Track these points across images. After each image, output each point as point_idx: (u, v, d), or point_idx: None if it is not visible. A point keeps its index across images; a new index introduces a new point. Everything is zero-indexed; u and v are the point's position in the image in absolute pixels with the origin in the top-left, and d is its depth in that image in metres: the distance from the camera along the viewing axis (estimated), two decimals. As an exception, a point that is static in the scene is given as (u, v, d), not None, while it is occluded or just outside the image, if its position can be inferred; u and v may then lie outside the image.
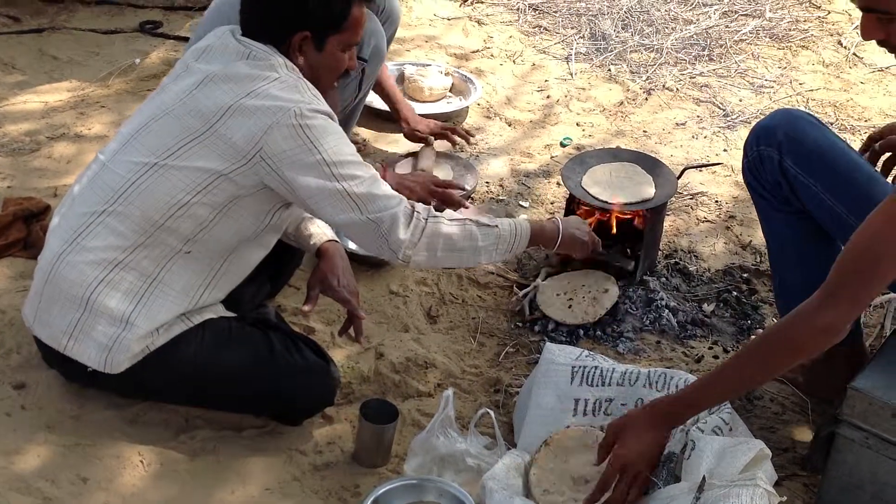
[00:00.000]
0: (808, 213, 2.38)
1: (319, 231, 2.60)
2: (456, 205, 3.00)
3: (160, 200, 2.25)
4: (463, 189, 3.19)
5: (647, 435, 2.14)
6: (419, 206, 2.33)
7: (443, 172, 3.42)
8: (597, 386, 2.41)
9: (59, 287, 2.29)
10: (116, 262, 2.26)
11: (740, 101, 4.11)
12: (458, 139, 3.58)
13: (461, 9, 4.73)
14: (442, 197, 3.03)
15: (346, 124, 3.27)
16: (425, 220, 2.32)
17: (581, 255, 2.71)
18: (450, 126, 3.64)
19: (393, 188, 2.87)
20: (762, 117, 2.66)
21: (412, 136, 3.57)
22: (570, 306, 2.86)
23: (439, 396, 2.43)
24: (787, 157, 2.35)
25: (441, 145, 3.66)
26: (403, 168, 3.45)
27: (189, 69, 2.35)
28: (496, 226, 2.43)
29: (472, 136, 3.66)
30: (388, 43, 3.31)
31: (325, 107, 2.30)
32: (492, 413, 2.41)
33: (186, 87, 2.30)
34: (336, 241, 2.61)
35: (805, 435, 2.53)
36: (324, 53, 2.34)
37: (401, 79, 3.99)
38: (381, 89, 3.53)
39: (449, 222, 2.36)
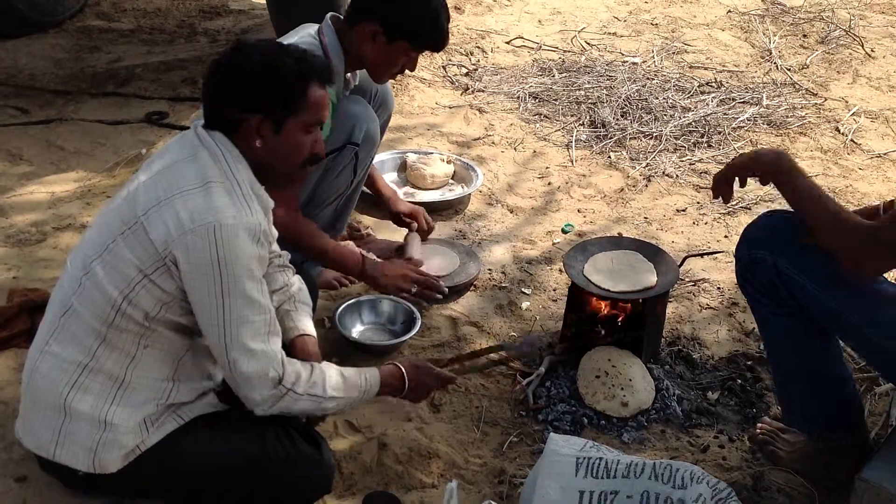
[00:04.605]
0: (805, 311, 2.38)
1: (293, 325, 2.56)
2: (436, 290, 3.21)
3: (99, 300, 2.23)
4: (440, 287, 3.24)
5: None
6: (288, 375, 2.26)
7: (447, 260, 3.44)
8: (601, 478, 2.39)
9: (36, 396, 2.30)
10: (83, 366, 2.25)
11: (740, 187, 4.12)
12: (423, 226, 3.59)
13: (462, 97, 4.81)
14: (423, 285, 3.19)
15: (343, 210, 3.30)
16: (286, 392, 2.26)
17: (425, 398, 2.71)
18: (422, 212, 3.63)
19: (377, 277, 3.08)
20: (754, 216, 2.68)
21: (396, 218, 3.60)
22: (608, 397, 2.86)
23: (443, 488, 2.41)
24: (780, 258, 2.36)
25: (444, 232, 3.69)
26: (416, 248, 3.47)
27: (147, 166, 2.34)
28: (348, 398, 2.39)
29: (432, 228, 3.64)
30: (383, 129, 3.34)
31: (255, 218, 2.21)
32: (496, 505, 2.39)
33: (136, 182, 2.29)
34: (310, 336, 2.57)
35: (814, 527, 2.50)
36: (283, 136, 2.27)
37: (403, 167, 4.05)
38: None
39: (308, 397, 2.30)
